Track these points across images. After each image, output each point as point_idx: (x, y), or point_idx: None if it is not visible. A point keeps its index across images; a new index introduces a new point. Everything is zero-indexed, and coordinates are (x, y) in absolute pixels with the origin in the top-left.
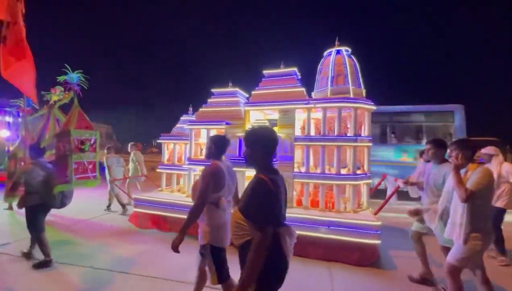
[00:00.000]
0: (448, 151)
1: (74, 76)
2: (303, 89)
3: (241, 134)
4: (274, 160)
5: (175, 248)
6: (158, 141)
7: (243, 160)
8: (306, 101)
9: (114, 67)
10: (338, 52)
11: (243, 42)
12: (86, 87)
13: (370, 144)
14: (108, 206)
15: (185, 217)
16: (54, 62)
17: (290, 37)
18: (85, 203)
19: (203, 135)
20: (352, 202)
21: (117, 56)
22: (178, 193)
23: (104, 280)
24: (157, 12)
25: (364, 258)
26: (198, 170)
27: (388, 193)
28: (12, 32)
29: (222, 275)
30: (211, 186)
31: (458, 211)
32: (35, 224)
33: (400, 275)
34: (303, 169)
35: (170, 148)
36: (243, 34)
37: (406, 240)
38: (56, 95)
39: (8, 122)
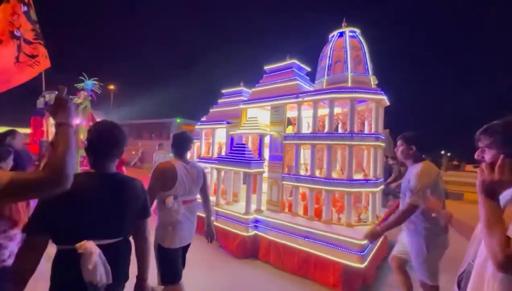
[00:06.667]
0: (477, 151)
1: (89, 83)
2: (296, 83)
3: (233, 132)
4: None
5: None
6: None
7: (230, 159)
8: (295, 95)
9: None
10: (340, 34)
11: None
12: (98, 92)
13: (378, 143)
14: None
15: None
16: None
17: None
18: None
19: (217, 134)
20: (347, 213)
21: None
22: None
23: None
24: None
25: (342, 281)
26: (208, 167)
27: None
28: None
29: (166, 277)
30: (158, 183)
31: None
32: None
33: None
34: (304, 172)
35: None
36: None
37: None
38: (79, 99)
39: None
